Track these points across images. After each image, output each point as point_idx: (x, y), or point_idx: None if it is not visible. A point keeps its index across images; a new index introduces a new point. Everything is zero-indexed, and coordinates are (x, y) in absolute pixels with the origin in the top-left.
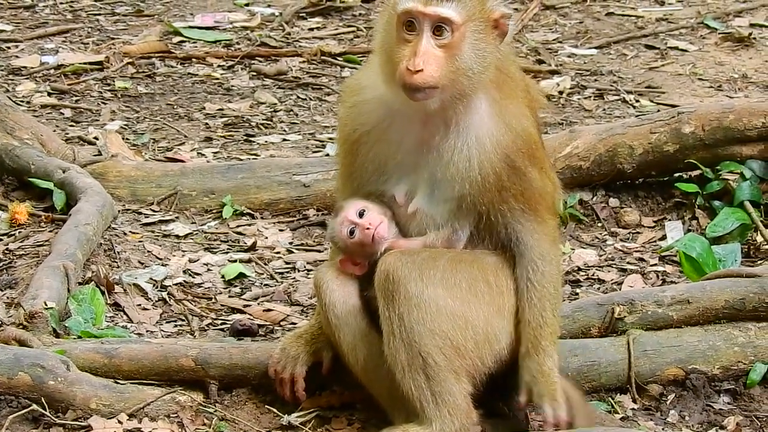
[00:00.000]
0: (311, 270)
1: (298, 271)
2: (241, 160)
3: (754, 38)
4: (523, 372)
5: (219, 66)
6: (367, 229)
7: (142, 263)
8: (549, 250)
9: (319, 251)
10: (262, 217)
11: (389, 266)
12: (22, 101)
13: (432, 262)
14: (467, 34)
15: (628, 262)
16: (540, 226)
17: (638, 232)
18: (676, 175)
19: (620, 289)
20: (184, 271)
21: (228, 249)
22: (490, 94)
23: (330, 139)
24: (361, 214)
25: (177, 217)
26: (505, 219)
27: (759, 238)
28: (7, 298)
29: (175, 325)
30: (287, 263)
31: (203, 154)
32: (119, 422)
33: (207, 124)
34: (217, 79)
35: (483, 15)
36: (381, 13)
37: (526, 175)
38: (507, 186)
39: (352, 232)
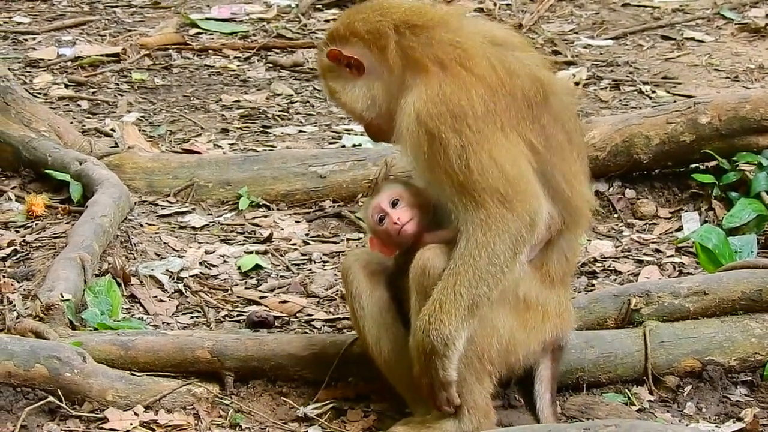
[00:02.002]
0: (327, 261)
1: (314, 262)
2: (258, 151)
3: None
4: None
5: (235, 58)
6: (395, 223)
7: (159, 255)
8: (478, 238)
9: (335, 243)
10: (278, 209)
11: (427, 261)
12: (39, 93)
13: None
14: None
15: (644, 254)
16: (476, 211)
17: (654, 224)
18: (693, 165)
19: (636, 281)
20: (201, 263)
21: (244, 240)
22: (418, 76)
23: (346, 130)
24: (394, 204)
25: (193, 209)
26: (444, 197)
27: None
28: (24, 290)
29: (192, 317)
30: (303, 255)
31: (219, 146)
32: (135, 414)
33: (223, 115)
34: (234, 70)
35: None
36: None
37: (451, 146)
38: (429, 156)
39: (381, 220)
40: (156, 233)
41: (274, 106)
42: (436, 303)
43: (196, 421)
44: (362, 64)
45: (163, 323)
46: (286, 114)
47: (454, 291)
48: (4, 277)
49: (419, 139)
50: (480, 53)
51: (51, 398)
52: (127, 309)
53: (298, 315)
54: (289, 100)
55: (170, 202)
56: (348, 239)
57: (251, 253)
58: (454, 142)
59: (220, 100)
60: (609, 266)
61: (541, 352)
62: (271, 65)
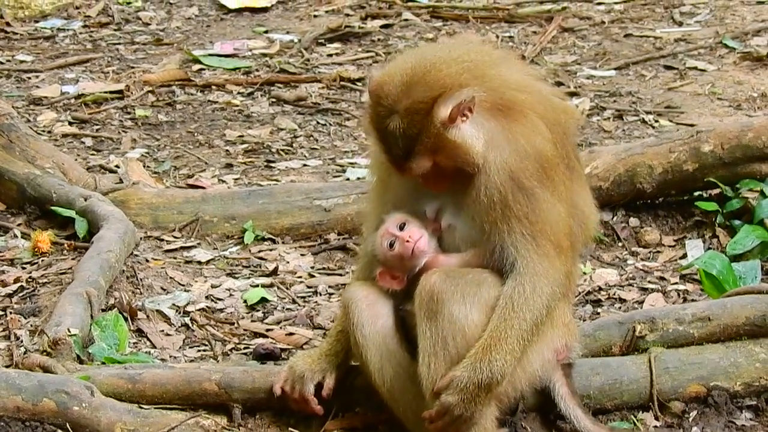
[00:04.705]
0: (333, 294)
1: (320, 294)
2: (262, 185)
3: None
4: (459, 366)
5: (239, 93)
6: (407, 242)
7: (165, 289)
8: (542, 287)
9: (340, 275)
10: (283, 242)
11: (434, 286)
12: (43, 131)
13: (475, 287)
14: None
15: (648, 281)
16: (540, 259)
17: (659, 251)
18: (696, 194)
19: (641, 308)
20: (207, 297)
21: (250, 274)
22: (499, 122)
23: (351, 163)
24: (401, 227)
25: (199, 243)
26: (503, 240)
27: None
28: (31, 325)
29: (198, 350)
30: (309, 287)
31: (224, 181)
32: None
33: (227, 150)
34: (237, 105)
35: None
36: None
37: (535, 197)
38: (511, 205)
39: (392, 245)
40: (162, 268)
41: (278, 141)
42: (502, 341)
43: None
44: (474, 104)
45: (170, 357)
46: (290, 148)
47: (521, 332)
48: (11, 313)
49: (505, 193)
50: (541, 95)
51: None
52: (134, 343)
53: (304, 347)
54: (292, 135)
55: (175, 237)
56: (353, 271)
57: (257, 286)
58: (537, 192)
59: (224, 135)
60: (614, 294)
61: (552, 368)
62: (274, 100)
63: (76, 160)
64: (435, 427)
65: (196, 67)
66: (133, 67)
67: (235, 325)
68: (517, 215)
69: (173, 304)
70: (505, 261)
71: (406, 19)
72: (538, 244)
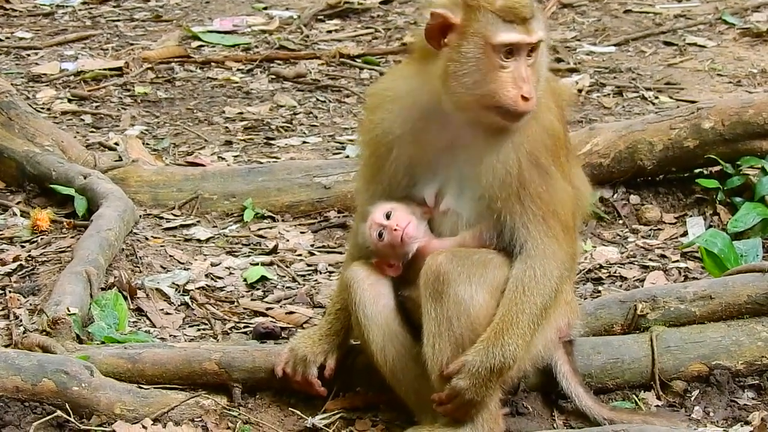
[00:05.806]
0: (333, 272)
1: (320, 273)
2: (262, 163)
3: None
4: (470, 350)
5: (238, 70)
6: (395, 230)
7: (164, 268)
8: (552, 269)
9: (340, 253)
10: (283, 220)
11: (439, 266)
12: (42, 108)
13: (481, 267)
14: (542, 50)
15: (649, 259)
16: (550, 241)
17: (659, 229)
18: (697, 171)
19: (642, 286)
20: (206, 275)
21: (249, 252)
22: None
23: (350, 140)
24: (388, 216)
25: (198, 221)
26: (514, 220)
27: None
28: (30, 304)
29: (198, 329)
30: (309, 265)
31: (223, 158)
32: (143, 427)
33: (227, 127)
34: (237, 82)
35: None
36: (455, 37)
37: (549, 175)
38: (527, 183)
39: (380, 235)
40: (161, 246)
41: (277, 118)
42: (513, 325)
43: None
44: None
45: (169, 336)
46: (289, 125)
47: (531, 315)
48: (10, 292)
49: (521, 170)
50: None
51: (59, 412)
52: (133, 322)
53: (304, 326)
54: (292, 112)
55: (175, 215)
56: (347, 249)
57: (257, 264)
58: (552, 171)
59: (224, 112)
60: (615, 272)
61: (554, 347)
62: (273, 77)
63: (75, 137)
64: (444, 410)
65: (196, 43)
66: (132, 44)
67: (235, 303)
68: (531, 194)
69: (173, 283)
70: (514, 242)
71: None
72: (548, 225)
